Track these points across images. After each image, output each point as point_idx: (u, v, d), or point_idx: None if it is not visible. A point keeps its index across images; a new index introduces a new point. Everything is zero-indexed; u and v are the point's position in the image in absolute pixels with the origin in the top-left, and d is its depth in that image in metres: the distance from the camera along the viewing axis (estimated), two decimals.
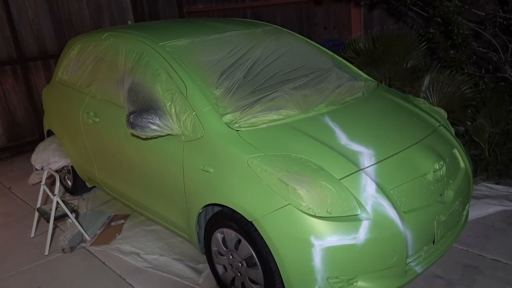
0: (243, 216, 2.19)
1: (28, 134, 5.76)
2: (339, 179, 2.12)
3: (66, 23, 5.94)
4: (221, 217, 2.37)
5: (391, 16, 4.75)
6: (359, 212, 2.05)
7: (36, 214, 3.50)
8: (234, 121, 2.40)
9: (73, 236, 3.26)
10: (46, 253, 3.24)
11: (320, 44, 3.51)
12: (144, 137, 2.56)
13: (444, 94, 3.76)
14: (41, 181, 3.53)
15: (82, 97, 3.47)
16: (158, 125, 2.45)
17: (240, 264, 2.37)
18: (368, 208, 2.07)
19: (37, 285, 2.91)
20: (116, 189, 3.32)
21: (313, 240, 1.99)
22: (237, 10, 6.29)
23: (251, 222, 2.15)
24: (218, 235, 2.45)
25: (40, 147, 3.81)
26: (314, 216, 2.01)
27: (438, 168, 2.35)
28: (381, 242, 2.05)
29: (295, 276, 2.07)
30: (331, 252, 2.00)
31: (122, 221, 3.62)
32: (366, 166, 2.21)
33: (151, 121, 2.44)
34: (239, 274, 2.42)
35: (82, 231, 3.33)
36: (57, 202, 3.24)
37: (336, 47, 4.68)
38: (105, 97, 3.21)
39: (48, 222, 3.24)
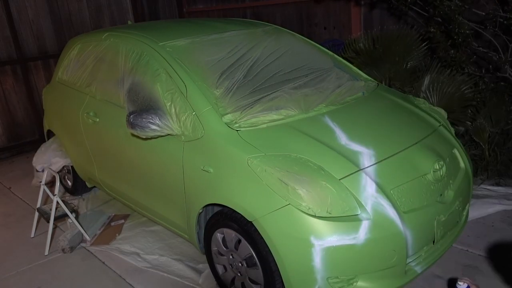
0: (243, 216, 2.18)
1: (28, 134, 5.77)
2: (339, 179, 2.12)
3: (66, 23, 5.94)
4: (221, 217, 2.37)
5: (392, 15, 4.75)
6: (359, 212, 2.05)
7: (36, 214, 3.50)
8: (234, 121, 2.40)
9: (73, 236, 3.26)
10: (46, 253, 3.24)
11: (320, 44, 3.51)
12: (144, 137, 2.56)
13: (444, 94, 3.76)
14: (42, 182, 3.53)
15: (82, 97, 3.47)
16: (158, 125, 2.45)
17: (240, 264, 2.37)
18: (368, 208, 2.07)
19: (37, 285, 2.91)
20: (116, 189, 3.32)
21: (313, 240, 1.99)
22: (237, 10, 6.29)
23: (251, 222, 2.15)
24: (218, 235, 2.45)
25: (42, 148, 3.82)
26: (314, 216, 2.01)
27: (438, 168, 2.35)
28: (381, 242, 2.05)
29: (295, 276, 2.07)
30: (331, 252, 2.00)
31: (122, 221, 3.62)
32: (366, 166, 2.21)
33: (151, 121, 2.44)
34: (239, 274, 2.42)
35: (82, 231, 3.33)
36: (57, 202, 3.24)
37: (336, 47, 4.68)
38: (105, 97, 3.21)
39: (48, 222, 3.24)
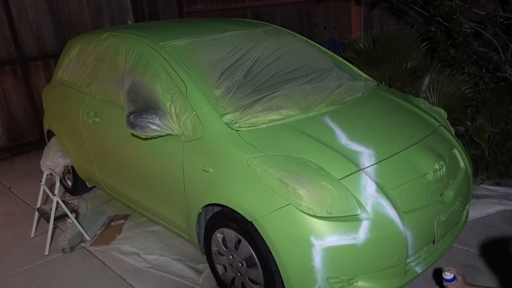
0: (243, 216, 2.18)
1: (28, 134, 5.76)
2: (339, 179, 2.12)
3: (66, 23, 5.94)
4: (221, 217, 2.37)
5: (392, 15, 4.75)
6: (359, 212, 2.05)
7: (36, 214, 3.50)
8: (234, 121, 2.40)
9: (73, 236, 3.26)
10: (46, 253, 3.24)
11: (320, 44, 3.50)
12: (144, 137, 2.56)
13: (444, 94, 3.76)
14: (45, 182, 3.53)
15: (82, 97, 3.47)
16: (158, 125, 2.45)
17: (240, 264, 2.37)
18: (368, 208, 2.07)
19: (37, 285, 2.91)
20: (116, 189, 3.32)
21: (313, 240, 1.99)
22: (237, 10, 6.29)
23: (251, 222, 2.15)
24: (218, 235, 2.45)
25: (44, 152, 3.82)
26: (314, 216, 2.01)
27: (438, 168, 2.35)
28: (381, 242, 2.05)
29: (295, 276, 2.07)
30: (331, 252, 2.00)
31: (122, 221, 3.62)
32: (366, 166, 2.21)
33: (151, 121, 2.44)
34: (239, 274, 2.42)
35: (82, 231, 3.33)
36: (57, 202, 3.24)
37: (336, 47, 4.68)
38: (105, 97, 3.21)
39: (48, 222, 3.24)
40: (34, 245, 3.39)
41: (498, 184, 3.62)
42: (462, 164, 2.63)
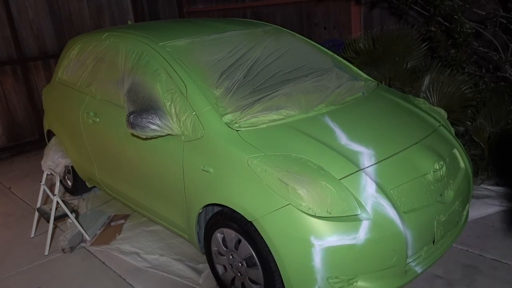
0: (243, 216, 2.18)
1: (28, 134, 5.77)
2: (339, 179, 2.12)
3: (66, 23, 5.94)
4: (221, 217, 2.37)
5: (392, 15, 4.75)
6: (359, 212, 2.05)
7: (36, 214, 3.50)
8: (234, 121, 2.40)
9: (73, 236, 3.26)
10: (46, 253, 3.24)
11: (320, 44, 3.50)
12: (144, 137, 2.55)
13: (444, 94, 3.76)
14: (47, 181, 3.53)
15: (82, 97, 3.47)
16: (158, 125, 2.45)
17: (240, 264, 2.37)
18: (368, 208, 2.07)
19: (37, 285, 2.91)
20: (116, 189, 3.32)
21: (313, 240, 1.99)
22: (237, 10, 6.29)
23: (251, 222, 2.15)
24: (218, 235, 2.45)
25: (45, 153, 3.82)
26: (314, 216, 2.01)
27: (438, 168, 2.35)
28: (381, 242, 2.05)
29: (295, 276, 2.07)
30: (331, 252, 2.00)
31: (122, 221, 3.62)
32: (366, 166, 2.21)
33: (151, 121, 2.44)
34: (239, 274, 2.42)
35: (82, 231, 3.33)
36: (57, 202, 3.24)
37: (336, 47, 4.68)
38: (105, 97, 3.21)
39: (48, 222, 3.24)
40: (34, 245, 3.39)
41: (498, 184, 3.62)
42: (462, 164, 2.63)
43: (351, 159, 2.22)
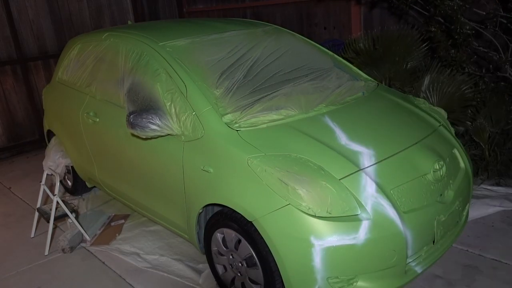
0: (243, 216, 2.18)
1: (28, 134, 5.77)
2: (339, 179, 2.12)
3: (66, 23, 5.94)
4: (221, 217, 2.37)
5: (392, 15, 4.75)
6: (359, 212, 2.05)
7: (36, 214, 3.50)
8: (234, 121, 2.40)
9: (73, 236, 3.26)
10: (46, 253, 3.24)
11: (320, 44, 3.50)
12: (144, 137, 2.55)
13: (444, 94, 3.76)
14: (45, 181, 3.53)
15: (82, 97, 3.47)
16: (158, 125, 2.45)
17: (240, 264, 2.37)
18: (368, 208, 2.07)
19: (37, 285, 2.91)
20: (116, 189, 3.32)
21: (313, 240, 1.99)
22: (237, 10, 6.29)
23: (251, 222, 2.15)
24: (218, 235, 2.45)
25: (46, 153, 3.81)
26: (314, 216, 2.01)
27: (438, 168, 2.35)
28: (381, 242, 2.05)
29: (295, 276, 2.07)
30: (331, 252, 2.00)
31: (122, 221, 3.62)
32: (366, 166, 2.21)
33: (151, 121, 2.44)
34: (239, 274, 2.42)
35: (82, 231, 3.33)
36: (57, 202, 3.24)
37: (336, 47, 4.68)
38: (105, 97, 3.21)
39: (48, 222, 3.24)
40: (34, 245, 3.39)
41: (498, 184, 3.62)
42: (462, 164, 2.63)
43: (351, 159, 2.22)
